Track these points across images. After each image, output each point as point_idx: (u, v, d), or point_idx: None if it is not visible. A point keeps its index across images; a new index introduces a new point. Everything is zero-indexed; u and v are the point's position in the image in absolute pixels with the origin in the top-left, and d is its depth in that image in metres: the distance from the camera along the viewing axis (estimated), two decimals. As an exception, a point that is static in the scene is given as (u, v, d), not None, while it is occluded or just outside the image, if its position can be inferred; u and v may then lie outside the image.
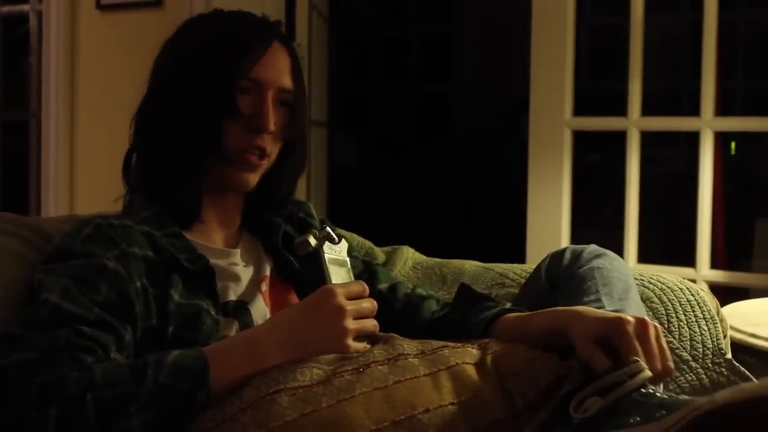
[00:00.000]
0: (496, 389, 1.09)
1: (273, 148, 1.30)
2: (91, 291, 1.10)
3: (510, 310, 1.29)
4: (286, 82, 1.29)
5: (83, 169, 3.12)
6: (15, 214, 1.42)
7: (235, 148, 1.26)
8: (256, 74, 1.25)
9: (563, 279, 1.37)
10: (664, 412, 0.98)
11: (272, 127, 1.26)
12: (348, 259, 1.28)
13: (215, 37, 1.26)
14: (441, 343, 1.15)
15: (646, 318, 1.13)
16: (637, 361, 1.06)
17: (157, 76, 1.30)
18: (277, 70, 1.27)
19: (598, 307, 1.26)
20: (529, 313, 1.27)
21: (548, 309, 1.25)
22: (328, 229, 1.26)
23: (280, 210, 1.41)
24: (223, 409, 1.01)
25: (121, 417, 0.97)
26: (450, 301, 1.44)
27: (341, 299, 1.11)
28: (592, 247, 1.41)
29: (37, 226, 1.39)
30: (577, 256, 1.38)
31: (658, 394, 1.03)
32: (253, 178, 1.30)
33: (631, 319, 1.11)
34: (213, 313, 1.20)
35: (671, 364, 1.11)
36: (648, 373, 1.05)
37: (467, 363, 1.11)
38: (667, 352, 1.11)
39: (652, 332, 1.10)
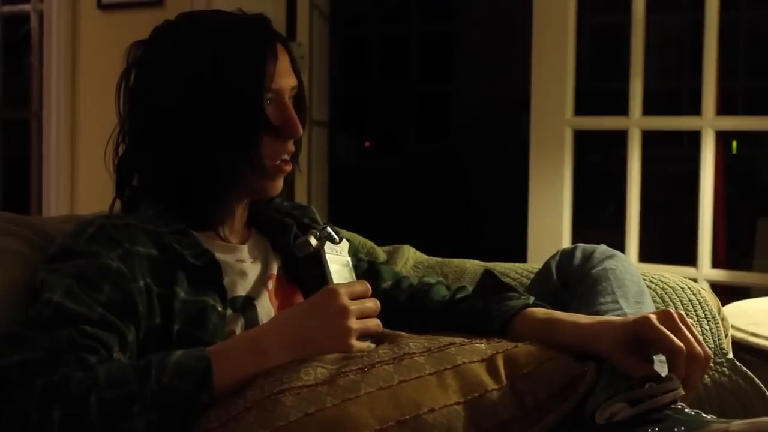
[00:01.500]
0: (504, 389, 1.09)
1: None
2: (95, 291, 1.10)
3: (534, 305, 1.28)
4: (293, 81, 1.30)
5: (84, 169, 3.13)
6: (16, 214, 1.42)
7: (270, 158, 1.27)
8: (277, 84, 1.25)
9: (575, 279, 1.36)
10: (683, 428, 0.99)
11: (301, 131, 1.28)
12: (349, 258, 1.28)
13: (226, 53, 1.24)
14: (449, 340, 1.15)
15: (668, 309, 1.13)
16: (673, 378, 1.07)
17: (164, 88, 1.26)
18: (287, 72, 1.29)
19: (615, 308, 1.26)
20: (553, 317, 1.25)
21: (570, 320, 1.23)
22: (329, 229, 1.26)
23: (274, 199, 1.41)
24: (227, 409, 1.01)
25: (124, 418, 0.97)
26: (460, 286, 1.43)
27: (344, 299, 1.11)
28: (603, 248, 1.40)
29: (39, 225, 1.39)
30: (588, 256, 1.38)
31: (686, 410, 1.04)
32: (281, 183, 1.32)
33: (653, 315, 1.12)
34: (219, 308, 1.20)
35: (707, 349, 1.11)
36: (681, 392, 1.07)
37: (474, 361, 1.11)
38: (700, 338, 1.12)
39: (678, 319, 1.11)
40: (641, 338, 1.11)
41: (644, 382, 1.08)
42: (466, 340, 1.16)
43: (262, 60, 1.24)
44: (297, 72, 1.32)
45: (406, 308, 1.40)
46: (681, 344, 1.08)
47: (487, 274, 1.39)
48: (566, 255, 1.42)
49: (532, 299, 1.30)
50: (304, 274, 1.32)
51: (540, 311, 1.26)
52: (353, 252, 1.34)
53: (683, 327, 1.11)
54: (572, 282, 1.36)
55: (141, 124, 1.29)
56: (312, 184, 3.12)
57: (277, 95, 1.27)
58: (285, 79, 1.27)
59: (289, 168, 1.30)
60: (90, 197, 3.02)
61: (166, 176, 1.28)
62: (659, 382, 1.07)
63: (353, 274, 1.27)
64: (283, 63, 1.28)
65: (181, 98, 1.24)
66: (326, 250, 1.23)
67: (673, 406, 1.05)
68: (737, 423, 0.97)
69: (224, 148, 1.24)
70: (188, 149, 1.25)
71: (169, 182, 1.27)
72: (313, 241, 1.23)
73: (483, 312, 1.29)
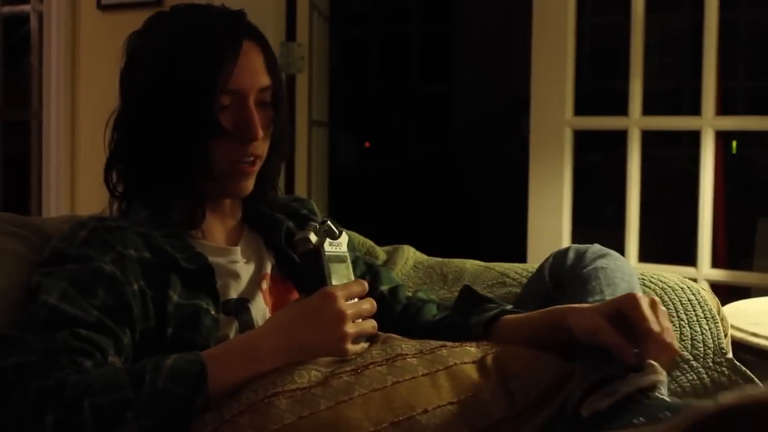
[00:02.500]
0: (496, 389, 1.09)
1: (263, 148, 1.28)
2: (89, 295, 1.10)
3: (509, 312, 1.29)
4: (264, 80, 1.24)
5: (84, 169, 3.13)
6: (16, 215, 1.42)
7: (226, 162, 1.23)
8: (234, 85, 1.20)
9: (567, 279, 1.36)
10: (668, 413, 0.99)
11: (261, 134, 1.23)
12: (348, 253, 1.26)
13: (184, 52, 1.20)
14: (439, 342, 1.15)
15: (656, 298, 1.15)
16: (653, 365, 1.08)
17: (130, 90, 1.26)
18: (253, 72, 1.23)
19: None
20: (528, 314, 1.27)
21: (547, 308, 1.25)
22: (329, 223, 1.23)
23: (264, 197, 1.39)
24: (222, 412, 1.01)
25: (118, 423, 0.97)
26: (448, 306, 1.44)
27: (341, 303, 1.10)
28: (596, 247, 1.40)
29: (38, 226, 1.39)
30: (580, 256, 1.38)
31: (667, 399, 1.04)
32: (249, 184, 1.28)
33: (641, 296, 1.13)
34: (213, 312, 1.19)
35: (676, 344, 1.13)
36: (662, 377, 1.07)
37: (466, 362, 1.11)
38: (672, 332, 1.13)
39: (662, 308, 1.14)
40: (623, 313, 1.12)
41: (627, 371, 1.08)
42: (457, 343, 1.16)
43: (218, 59, 1.19)
44: (272, 70, 1.26)
45: (398, 321, 1.39)
46: (657, 328, 1.09)
47: (465, 289, 1.39)
48: (559, 256, 1.42)
49: (509, 307, 1.31)
50: (300, 272, 1.31)
51: (517, 315, 1.28)
52: (350, 249, 1.33)
53: (663, 316, 1.12)
54: (564, 282, 1.37)
55: (118, 122, 1.28)
56: (312, 185, 3.12)
57: (238, 96, 1.21)
58: (249, 79, 1.22)
59: (251, 170, 1.26)
60: (90, 197, 3.02)
61: (139, 180, 1.28)
62: (638, 371, 1.08)
63: (351, 270, 1.24)
64: (252, 63, 1.23)
65: (141, 97, 1.24)
66: (325, 248, 1.21)
67: (651, 394, 1.05)
68: (726, 395, 0.97)
69: (174, 150, 1.22)
70: (146, 150, 1.24)
71: (139, 183, 1.27)
72: (313, 238, 1.19)
73: (462, 325, 1.30)
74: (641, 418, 1.01)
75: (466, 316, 1.31)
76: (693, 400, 1.05)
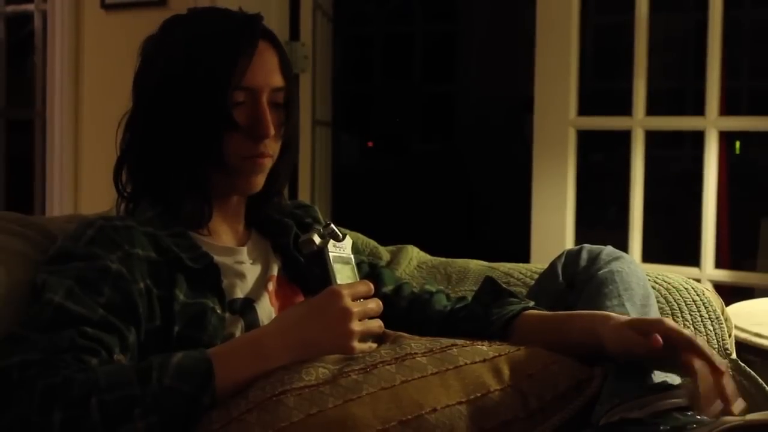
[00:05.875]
0: (507, 389, 1.09)
1: (274, 148, 1.30)
2: (95, 293, 1.10)
3: (533, 308, 1.28)
4: (277, 81, 1.27)
5: (88, 168, 3.13)
6: (20, 214, 1.43)
7: (238, 157, 1.25)
8: (248, 82, 1.23)
9: (581, 280, 1.36)
10: (695, 425, 0.99)
11: (272, 132, 1.25)
12: (353, 256, 1.27)
13: (200, 49, 1.23)
14: (450, 341, 1.15)
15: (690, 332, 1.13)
16: (687, 387, 1.08)
17: (145, 89, 1.28)
18: (267, 71, 1.26)
19: (621, 312, 1.26)
20: (553, 314, 1.27)
21: (573, 312, 1.25)
22: (333, 226, 1.25)
23: (271, 199, 1.40)
24: (229, 410, 1.01)
25: (125, 420, 0.97)
26: (460, 296, 1.44)
27: (347, 301, 1.11)
28: (609, 249, 1.40)
29: (42, 225, 1.39)
30: (594, 258, 1.37)
31: (698, 417, 1.04)
32: (260, 180, 1.30)
33: (655, 305, 1.14)
34: (219, 311, 1.19)
35: (717, 360, 1.11)
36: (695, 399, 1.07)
37: (476, 362, 1.11)
38: (713, 352, 1.12)
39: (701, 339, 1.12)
40: (662, 334, 1.10)
41: (657, 390, 1.08)
42: (468, 342, 1.16)
43: (234, 57, 1.21)
44: (286, 72, 1.29)
45: (405, 317, 1.39)
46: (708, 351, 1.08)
47: (488, 280, 1.39)
48: (572, 256, 1.41)
49: (532, 303, 1.30)
50: (306, 273, 1.32)
51: (540, 313, 1.27)
52: (354, 251, 1.34)
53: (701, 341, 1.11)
54: (578, 283, 1.36)
55: (130, 123, 1.30)
56: (315, 184, 3.12)
57: (252, 94, 1.24)
58: (263, 78, 1.25)
59: (262, 163, 1.28)
60: (94, 197, 3.02)
61: (149, 177, 1.29)
62: (671, 389, 1.08)
63: (356, 272, 1.26)
64: (267, 62, 1.26)
65: (156, 94, 1.25)
66: (329, 249, 1.22)
67: (684, 411, 1.05)
68: (753, 414, 0.97)
69: (188, 144, 1.24)
70: (160, 146, 1.26)
71: (152, 183, 1.28)
72: (317, 239, 1.21)
73: (483, 317, 1.30)
74: (668, 427, 1.01)
75: (487, 309, 1.31)
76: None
